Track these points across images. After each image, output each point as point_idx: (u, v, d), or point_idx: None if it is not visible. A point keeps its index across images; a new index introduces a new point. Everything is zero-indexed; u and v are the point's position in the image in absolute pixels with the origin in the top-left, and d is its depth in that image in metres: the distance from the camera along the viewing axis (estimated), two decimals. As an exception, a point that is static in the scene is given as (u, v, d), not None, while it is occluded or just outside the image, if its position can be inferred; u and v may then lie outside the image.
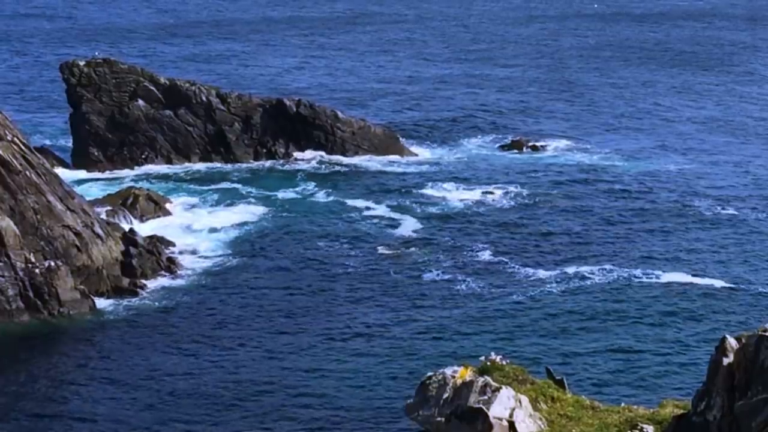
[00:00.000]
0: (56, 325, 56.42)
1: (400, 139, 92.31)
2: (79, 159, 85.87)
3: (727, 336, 29.29)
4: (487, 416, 31.86)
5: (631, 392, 47.02)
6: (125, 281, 61.25)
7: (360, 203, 76.71)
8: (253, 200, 77.43)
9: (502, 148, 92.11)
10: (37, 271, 57.67)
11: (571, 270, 63.02)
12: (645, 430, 32.17)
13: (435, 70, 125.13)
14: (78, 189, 70.52)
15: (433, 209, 75.39)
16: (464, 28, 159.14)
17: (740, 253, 66.32)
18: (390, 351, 52.34)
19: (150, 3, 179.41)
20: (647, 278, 61.78)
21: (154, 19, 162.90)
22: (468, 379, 33.48)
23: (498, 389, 32.62)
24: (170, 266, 63.73)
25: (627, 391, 47.14)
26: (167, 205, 74.79)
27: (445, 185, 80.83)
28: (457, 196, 78.42)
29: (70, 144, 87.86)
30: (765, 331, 27.88)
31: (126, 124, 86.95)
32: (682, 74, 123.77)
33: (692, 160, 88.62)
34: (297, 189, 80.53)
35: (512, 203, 76.61)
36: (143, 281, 61.51)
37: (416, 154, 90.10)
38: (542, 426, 32.51)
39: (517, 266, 63.84)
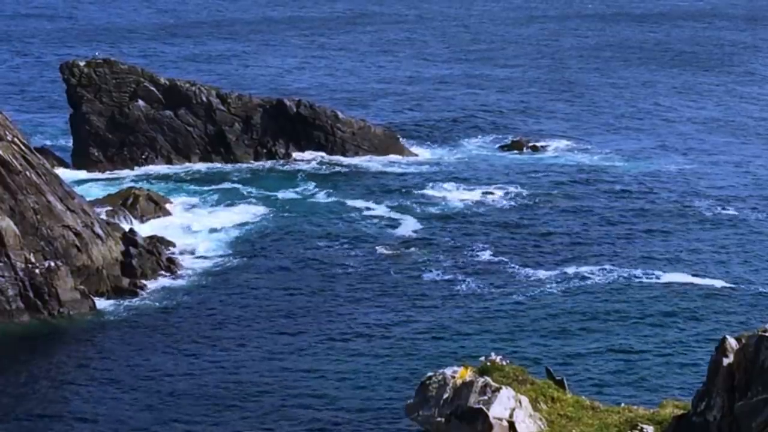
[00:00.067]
0: (56, 326, 56.42)
1: (401, 139, 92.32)
2: (80, 159, 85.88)
3: (727, 336, 29.28)
4: (487, 416, 31.85)
5: (631, 392, 47.01)
6: (125, 281, 61.25)
7: (360, 203, 76.70)
8: (253, 200, 77.42)
9: (503, 148, 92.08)
10: (37, 271, 57.67)
11: (571, 270, 63.02)
12: (645, 430, 32.16)
13: (435, 71, 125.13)
14: (78, 189, 70.51)
15: (433, 209, 75.39)
16: (464, 28, 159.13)
17: (740, 254, 66.31)
18: (390, 351, 52.34)
19: (150, 3, 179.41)
20: (647, 278, 61.77)
21: (155, 20, 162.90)
22: (468, 379, 33.46)
23: (498, 389, 32.60)
24: (170, 266, 63.72)
25: (627, 392, 47.13)
26: (167, 206, 74.78)
27: (446, 185, 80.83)
28: (457, 196, 78.41)
29: (71, 144, 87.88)
30: (765, 331, 27.86)
31: (126, 125, 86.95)
32: (683, 74, 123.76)
33: (692, 160, 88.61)
34: (297, 189, 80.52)
35: (512, 203, 76.60)
36: (143, 281, 61.52)
37: (416, 155, 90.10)
38: (542, 426, 32.49)
39: (517, 266, 63.83)
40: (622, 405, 35.63)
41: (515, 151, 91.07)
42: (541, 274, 62.59)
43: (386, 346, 52.91)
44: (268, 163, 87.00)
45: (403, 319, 56.34)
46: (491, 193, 78.90)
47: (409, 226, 71.65)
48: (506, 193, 78.62)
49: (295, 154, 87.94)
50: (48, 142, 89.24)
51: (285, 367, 50.91)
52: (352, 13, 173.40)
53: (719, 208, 74.96)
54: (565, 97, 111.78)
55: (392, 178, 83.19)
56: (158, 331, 55.39)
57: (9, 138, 62.42)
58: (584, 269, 63.15)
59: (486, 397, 32.36)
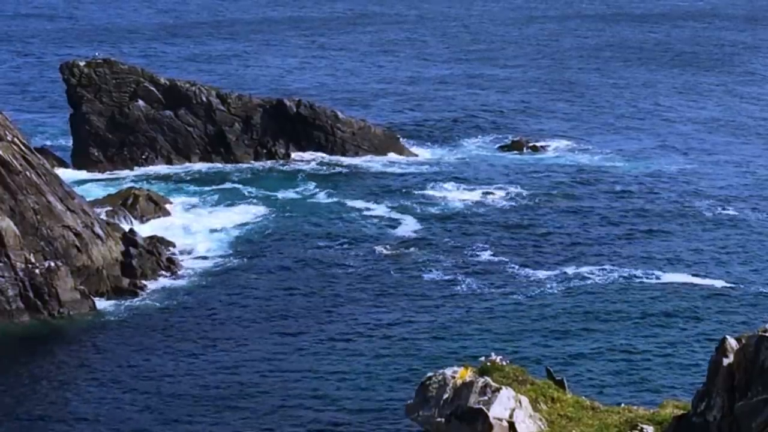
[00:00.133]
0: (56, 326, 56.41)
1: (401, 139, 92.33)
2: (80, 159, 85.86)
3: (728, 336, 29.25)
4: (487, 417, 31.83)
5: (631, 393, 47.00)
6: (125, 282, 61.24)
7: (360, 203, 76.69)
8: (253, 201, 77.40)
9: (503, 148, 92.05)
10: (37, 271, 57.66)
11: (571, 270, 63.01)
12: (645, 430, 32.14)
13: (435, 71, 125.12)
14: (78, 189, 70.49)
15: (433, 209, 75.37)
16: (465, 28, 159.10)
17: (741, 254, 66.29)
18: (390, 351, 52.33)
19: (151, 3, 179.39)
20: (648, 278, 61.75)
21: (155, 20, 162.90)
22: (468, 379, 33.43)
23: (498, 390, 32.58)
24: (170, 266, 63.72)
25: (627, 392, 47.12)
26: (167, 206, 74.77)
27: (446, 185, 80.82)
28: (457, 196, 78.40)
29: (71, 144, 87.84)
30: (765, 331, 27.83)
31: (126, 125, 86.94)
32: (683, 74, 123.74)
33: (693, 160, 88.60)
34: (297, 189, 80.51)
35: (512, 204, 76.58)
36: (143, 282, 61.51)
37: (416, 155, 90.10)
38: (542, 426, 32.48)
39: (517, 266, 63.81)
40: (622, 405, 35.60)
41: (515, 152, 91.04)
42: (541, 274, 62.58)
43: (386, 346, 52.91)
44: (268, 164, 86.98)
45: (403, 319, 56.33)
46: (491, 193, 78.89)
47: (409, 226, 71.64)
48: (506, 194, 78.61)
49: (295, 154, 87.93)
50: (48, 142, 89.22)
51: (285, 367, 50.91)
52: (353, 13, 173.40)
53: (719, 208, 74.94)
54: (565, 97, 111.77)
55: (392, 178, 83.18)
56: (158, 332, 55.38)
57: (9, 138, 62.42)
58: (584, 269, 63.14)
59: (486, 398, 32.34)
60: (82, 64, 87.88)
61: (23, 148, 63.11)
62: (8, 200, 60.04)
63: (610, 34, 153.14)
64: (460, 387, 33.27)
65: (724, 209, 74.81)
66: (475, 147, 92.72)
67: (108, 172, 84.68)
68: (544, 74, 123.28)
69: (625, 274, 62.22)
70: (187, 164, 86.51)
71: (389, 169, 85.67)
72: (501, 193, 78.64)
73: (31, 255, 58.40)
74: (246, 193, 79.04)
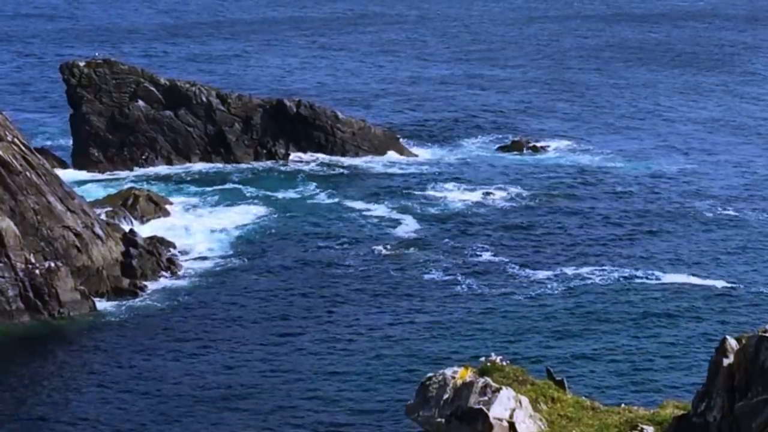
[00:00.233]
0: (56, 326, 56.40)
1: (401, 139, 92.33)
2: (80, 159, 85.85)
3: (728, 336, 29.20)
4: (487, 417, 31.80)
5: (632, 393, 46.99)
6: (125, 282, 61.24)
7: (360, 204, 76.67)
8: (253, 201, 77.39)
9: (503, 148, 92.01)
10: (37, 271, 57.66)
11: (571, 270, 63.00)
12: (645, 430, 32.11)
13: (436, 71, 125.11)
14: (78, 190, 70.50)
15: (433, 210, 75.37)
16: (465, 28, 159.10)
17: (741, 254, 66.28)
18: (390, 351, 52.32)
19: (151, 3, 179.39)
20: (648, 279, 61.74)
21: (156, 20, 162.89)
22: (468, 379, 33.39)
23: (498, 390, 32.55)
24: (170, 267, 63.72)
25: (627, 392, 47.11)
26: (167, 206, 74.76)
27: (446, 186, 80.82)
28: (457, 196, 78.38)
29: (71, 144, 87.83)
30: (765, 331, 27.80)
31: (126, 125, 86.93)
32: (683, 75, 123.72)
33: (693, 160, 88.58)
34: (297, 189, 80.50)
35: (513, 204, 76.57)
36: (143, 282, 61.50)
37: (416, 155, 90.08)
38: (542, 426, 32.45)
39: (517, 267, 63.80)
40: (622, 405, 35.55)
41: (515, 152, 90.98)
42: (542, 274, 62.57)
43: (386, 346, 52.90)
44: (269, 164, 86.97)
45: (403, 319, 56.32)
46: (491, 193, 78.87)
47: (409, 227, 71.63)
48: (506, 194, 78.58)
49: (295, 155, 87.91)
50: (48, 142, 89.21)
51: (285, 367, 50.91)
52: (353, 13, 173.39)
53: (720, 209, 74.93)
54: (565, 97, 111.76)
55: (392, 179, 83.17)
56: (159, 332, 55.37)
57: (9, 138, 62.42)
58: (585, 269, 63.12)
59: (486, 398, 32.31)
60: (82, 64, 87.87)
61: (23, 148, 63.12)
62: (8, 200, 60.04)
63: (610, 35, 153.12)
64: (460, 387, 33.23)
65: (724, 209, 74.79)
66: (476, 147, 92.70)
67: (108, 173, 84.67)
68: (544, 74, 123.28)
69: (626, 275, 62.21)
70: (187, 164, 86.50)
71: (389, 170, 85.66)
72: (501, 194, 78.62)
73: (32, 255, 58.40)
74: (246, 194, 79.03)
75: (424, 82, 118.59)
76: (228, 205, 76.42)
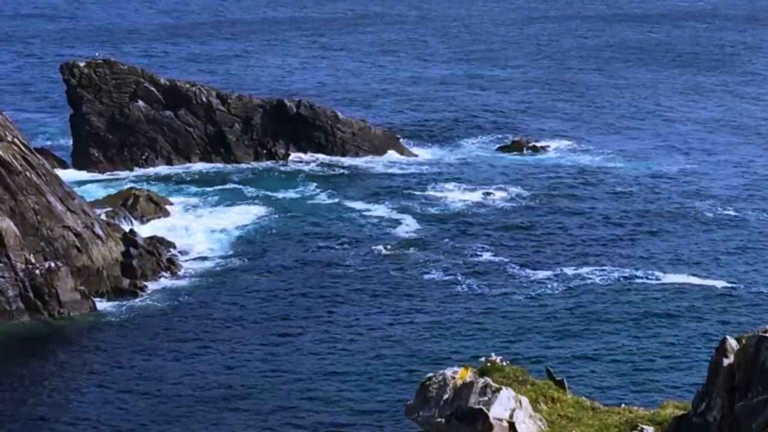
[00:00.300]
0: (56, 326, 56.40)
1: (401, 139, 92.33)
2: (80, 160, 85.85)
3: (728, 337, 29.20)
4: (487, 417, 31.79)
5: (632, 393, 46.98)
6: (125, 282, 61.23)
7: (360, 204, 76.67)
8: (253, 201, 77.37)
9: (503, 148, 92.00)
10: (37, 271, 57.65)
11: (571, 270, 62.99)
12: (645, 431, 32.11)
13: (436, 71, 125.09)
14: (78, 190, 70.49)
15: (433, 210, 75.35)
16: (465, 28, 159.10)
17: (741, 254, 66.26)
18: (390, 351, 52.31)
19: (151, 4, 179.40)
20: (648, 279, 61.73)
21: (156, 20, 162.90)
22: (468, 380, 33.38)
23: (498, 390, 32.54)
24: (170, 267, 63.71)
25: (627, 392, 47.10)
26: (167, 206, 74.75)
27: (446, 186, 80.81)
28: (457, 196, 78.37)
29: (71, 144, 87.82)
30: (765, 331, 27.79)
31: (126, 125, 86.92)
32: (683, 75, 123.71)
33: (693, 160, 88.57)
34: (297, 190, 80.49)
35: (513, 204, 76.56)
36: (143, 282, 61.50)
37: (416, 155, 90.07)
38: (542, 427, 32.45)
39: (517, 267, 63.79)
40: (623, 405, 35.55)
41: (515, 152, 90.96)
42: (542, 274, 62.56)
43: (386, 346, 52.89)
44: (269, 164, 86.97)
45: (403, 319, 56.32)
46: (491, 193, 78.85)
47: (409, 227, 71.62)
48: (507, 194, 78.57)
49: (295, 155, 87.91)
50: (48, 143, 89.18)
51: (285, 367, 50.90)
52: (353, 13, 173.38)
53: (720, 209, 74.92)
54: (565, 97, 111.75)
55: (392, 179, 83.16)
56: (159, 332, 55.37)
57: (9, 138, 62.42)
58: (585, 269, 63.11)
59: (486, 398, 32.30)
60: (82, 64, 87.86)
61: (23, 148, 63.11)
62: (8, 201, 60.04)
63: (610, 35, 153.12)
64: (460, 387, 33.23)
65: (724, 209, 74.78)
66: (476, 147, 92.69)
67: (108, 173, 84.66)
68: (544, 74, 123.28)
69: (626, 275, 62.20)
70: (188, 165, 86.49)
71: (389, 170, 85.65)
72: (501, 194, 78.61)
73: (32, 255, 58.40)
74: (246, 194, 79.01)
75: (424, 82, 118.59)
76: (228, 205, 76.42)
